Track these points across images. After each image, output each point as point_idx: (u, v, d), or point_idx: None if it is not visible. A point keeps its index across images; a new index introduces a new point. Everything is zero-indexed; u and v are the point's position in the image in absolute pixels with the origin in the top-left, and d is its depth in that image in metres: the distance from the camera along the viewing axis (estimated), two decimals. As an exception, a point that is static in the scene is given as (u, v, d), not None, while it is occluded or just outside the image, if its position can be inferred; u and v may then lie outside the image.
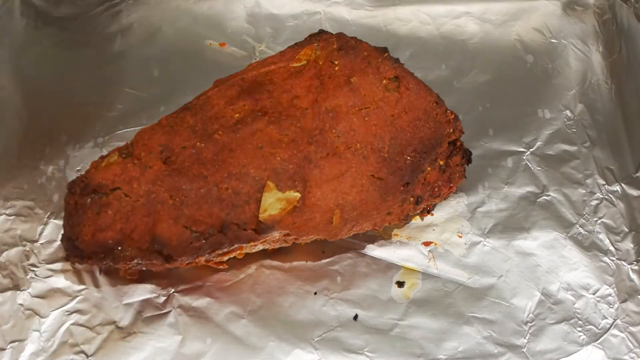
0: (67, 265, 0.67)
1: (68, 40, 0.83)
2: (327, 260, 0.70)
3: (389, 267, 0.70)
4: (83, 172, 0.63)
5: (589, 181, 0.75)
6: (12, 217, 0.69)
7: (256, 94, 0.63)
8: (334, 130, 0.62)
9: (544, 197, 0.74)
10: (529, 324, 0.67)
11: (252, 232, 0.60)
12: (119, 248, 0.59)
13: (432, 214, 0.73)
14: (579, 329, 0.67)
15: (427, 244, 0.71)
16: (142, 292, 0.67)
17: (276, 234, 0.61)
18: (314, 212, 0.60)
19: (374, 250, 0.70)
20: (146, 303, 0.66)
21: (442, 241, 0.71)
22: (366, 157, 0.62)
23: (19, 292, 0.66)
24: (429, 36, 0.85)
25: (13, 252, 0.68)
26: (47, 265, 0.67)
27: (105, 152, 0.64)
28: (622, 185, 0.75)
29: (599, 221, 0.73)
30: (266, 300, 0.67)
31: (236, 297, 0.67)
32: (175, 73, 0.82)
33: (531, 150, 0.77)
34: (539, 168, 0.76)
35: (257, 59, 0.83)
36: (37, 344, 0.64)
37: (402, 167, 0.63)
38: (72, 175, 0.72)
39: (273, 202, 0.59)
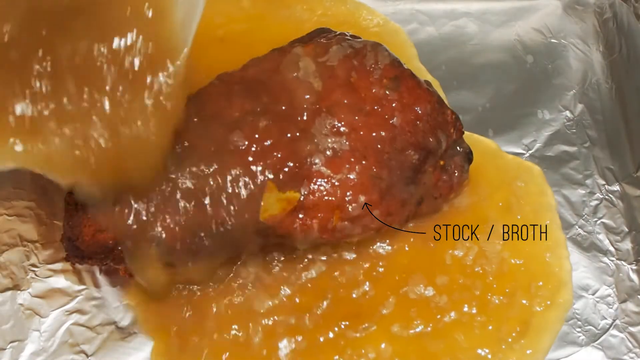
0: (67, 265, 0.67)
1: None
2: (327, 260, 0.70)
3: (389, 267, 0.70)
4: (83, 173, 0.63)
5: (588, 181, 0.75)
6: (12, 217, 0.69)
7: (256, 92, 0.63)
8: (334, 130, 0.62)
9: (544, 198, 0.74)
10: (529, 324, 0.67)
11: (252, 232, 0.60)
12: (119, 248, 0.59)
13: (432, 214, 0.73)
14: (578, 329, 0.67)
15: (426, 244, 0.71)
16: (142, 292, 0.67)
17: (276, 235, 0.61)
18: (314, 212, 0.60)
19: (374, 251, 0.70)
20: (146, 303, 0.66)
21: (442, 241, 0.71)
22: (366, 157, 0.62)
23: (19, 292, 0.66)
24: (429, 36, 0.85)
25: (13, 252, 0.68)
26: (47, 265, 0.67)
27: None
28: (622, 185, 0.75)
29: (599, 221, 0.73)
30: (266, 300, 0.67)
31: (236, 297, 0.67)
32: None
33: (530, 152, 0.77)
34: (538, 169, 0.76)
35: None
36: (37, 344, 0.64)
37: (402, 167, 0.63)
38: (72, 175, 0.72)
39: (273, 202, 0.59)
